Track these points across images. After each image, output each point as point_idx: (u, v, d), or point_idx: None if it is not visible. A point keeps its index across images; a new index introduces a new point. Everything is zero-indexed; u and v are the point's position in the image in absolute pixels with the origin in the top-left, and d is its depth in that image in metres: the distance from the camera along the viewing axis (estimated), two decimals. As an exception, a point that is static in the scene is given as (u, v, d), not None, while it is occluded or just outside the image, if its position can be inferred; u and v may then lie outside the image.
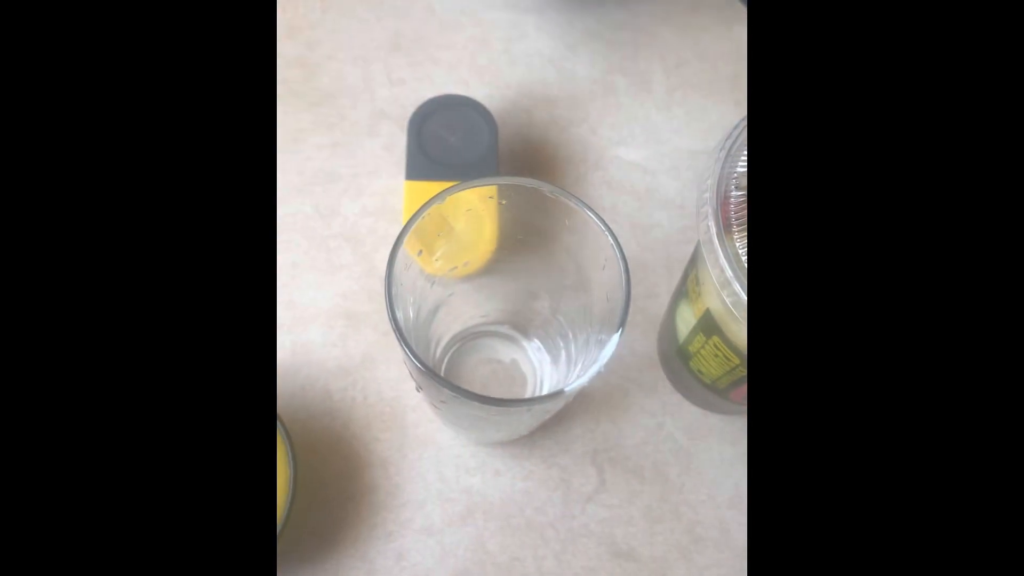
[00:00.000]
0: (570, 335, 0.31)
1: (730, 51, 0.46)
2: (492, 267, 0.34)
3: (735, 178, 0.25)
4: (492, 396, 0.22)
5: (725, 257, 0.24)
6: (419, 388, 0.27)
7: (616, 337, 0.24)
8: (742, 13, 0.47)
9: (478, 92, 0.43)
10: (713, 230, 0.25)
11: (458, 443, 0.36)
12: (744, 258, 0.24)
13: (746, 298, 0.24)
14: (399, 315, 0.23)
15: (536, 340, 0.35)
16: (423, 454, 0.35)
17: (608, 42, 0.46)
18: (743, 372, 0.29)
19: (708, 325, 0.29)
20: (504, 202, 0.28)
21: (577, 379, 0.23)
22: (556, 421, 0.36)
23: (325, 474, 0.35)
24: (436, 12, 0.46)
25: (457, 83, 0.43)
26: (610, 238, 0.25)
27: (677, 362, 0.34)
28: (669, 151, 0.43)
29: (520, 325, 0.36)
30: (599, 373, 0.24)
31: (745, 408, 0.36)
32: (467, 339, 0.36)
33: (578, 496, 0.35)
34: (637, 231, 0.41)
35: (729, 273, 0.24)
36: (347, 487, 0.34)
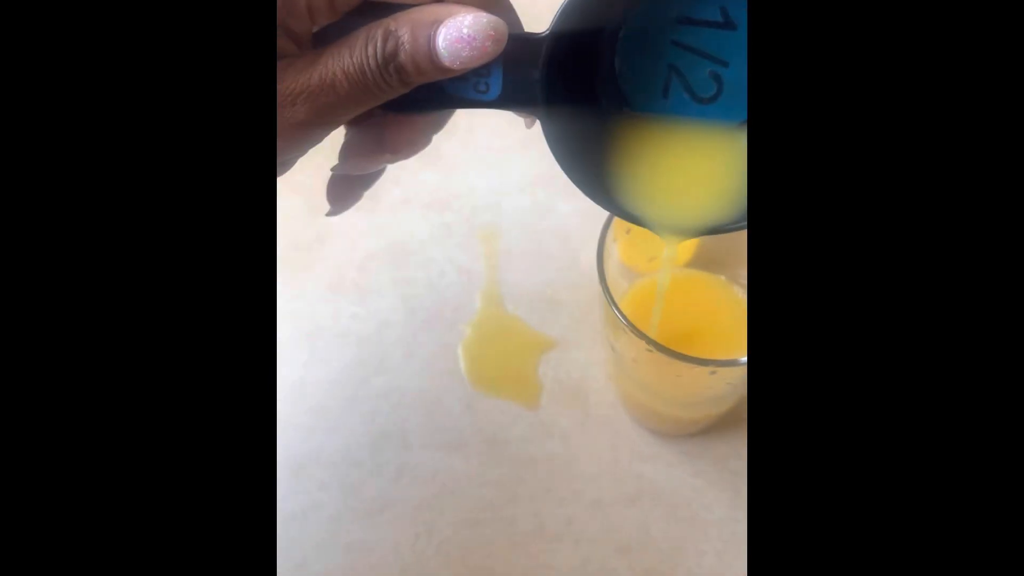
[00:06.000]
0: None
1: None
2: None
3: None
4: (683, 353, 0.25)
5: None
6: (613, 347, 0.30)
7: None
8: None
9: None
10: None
11: (635, 431, 0.38)
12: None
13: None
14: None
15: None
16: (601, 433, 0.38)
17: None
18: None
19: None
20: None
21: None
22: (731, 426, 0.37)
23: (511, 434, 0.38)
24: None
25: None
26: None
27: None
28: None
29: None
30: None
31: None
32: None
33: (746, 502, 0.36)
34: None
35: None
36: (530, 449, 0.38)
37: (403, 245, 0.44)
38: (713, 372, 0.25)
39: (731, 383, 0.27)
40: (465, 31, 0.20)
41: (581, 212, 0.44)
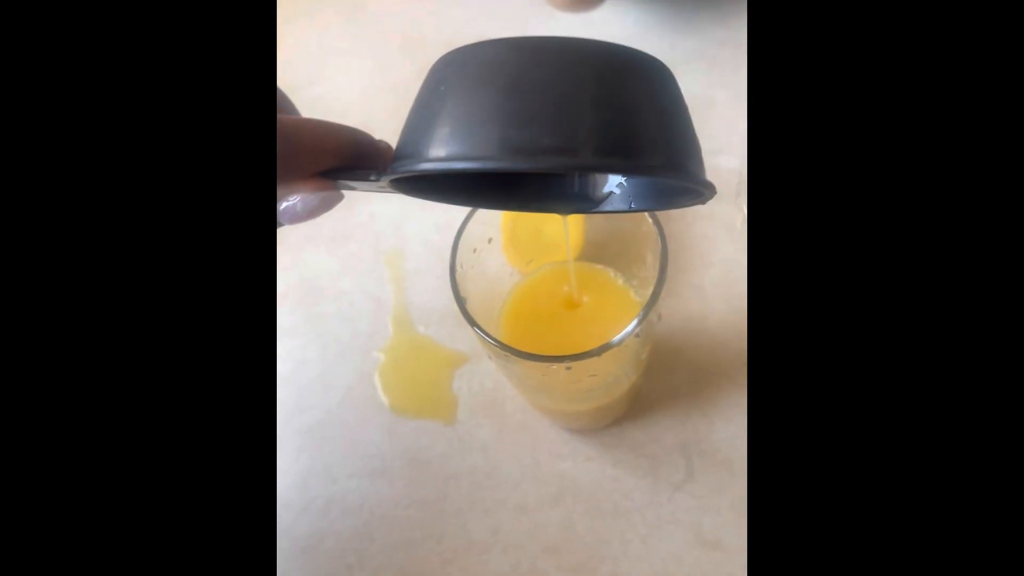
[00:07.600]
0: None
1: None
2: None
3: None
4: (531, 352, 0.25)
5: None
6: (490, 356, 0.31)
7: (638, 318, 0.26)
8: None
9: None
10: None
11: (552, 431, 0.38)
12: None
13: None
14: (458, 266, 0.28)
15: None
16: (519, 439, 0.38)
17: (710, 60, 0.48)
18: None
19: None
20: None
21: (611, 341, 0.25)
22: (646, 411, 0.38)
23: (432, 454, 0.39)
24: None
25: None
26: (653, 225, 0.27)
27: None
28: (768, 156, 0.43)
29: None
30: (633, 334, 0.26)
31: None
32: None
33: (666, 485, 0.36)
34: (732, 232, 0.42)
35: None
36: (452, 465, 0.38)
37: (313, 282, 0.45)
38: (569, 367, 0.26)
39: (594, 375, 0.27)
40: (300, 211, 0.21)
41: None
